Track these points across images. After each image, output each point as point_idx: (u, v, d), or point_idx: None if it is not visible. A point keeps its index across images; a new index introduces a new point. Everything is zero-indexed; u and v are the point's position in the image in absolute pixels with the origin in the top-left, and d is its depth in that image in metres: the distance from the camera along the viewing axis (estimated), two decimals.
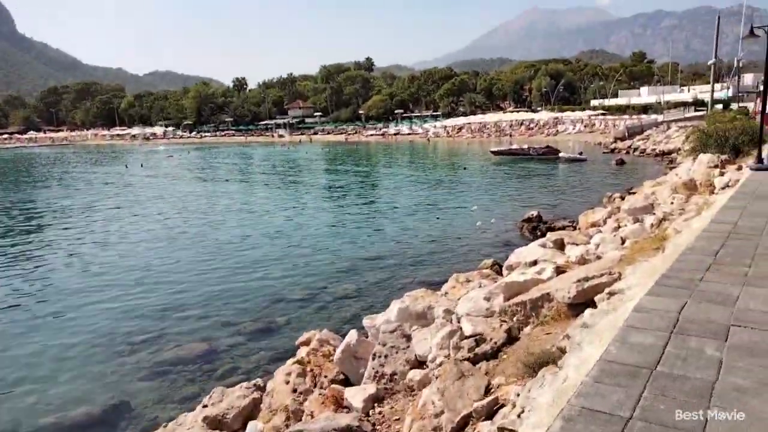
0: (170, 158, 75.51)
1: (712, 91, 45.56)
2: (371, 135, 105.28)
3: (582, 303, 5.88)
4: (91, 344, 11.38)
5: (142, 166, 61.02)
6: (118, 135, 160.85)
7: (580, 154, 44.90)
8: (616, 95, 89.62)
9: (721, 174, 14.49)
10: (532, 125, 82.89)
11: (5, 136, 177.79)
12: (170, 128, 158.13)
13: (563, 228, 18.31)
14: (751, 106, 42.70)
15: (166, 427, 6.32)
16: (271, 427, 6.02)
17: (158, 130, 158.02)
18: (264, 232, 21.58)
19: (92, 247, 20.31)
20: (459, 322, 6.00)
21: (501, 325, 5.59)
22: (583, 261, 8.46)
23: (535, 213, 19.55)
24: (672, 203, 11.37)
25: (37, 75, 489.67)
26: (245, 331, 11.51)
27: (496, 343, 5.31)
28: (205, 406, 6.46)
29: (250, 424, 6.08)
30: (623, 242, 9.71)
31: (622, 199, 20.20)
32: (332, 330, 9.92)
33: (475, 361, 5.18)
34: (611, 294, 4.89)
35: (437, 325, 5.93)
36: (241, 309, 12.89)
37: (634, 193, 22.81)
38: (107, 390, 9.32)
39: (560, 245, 11.18)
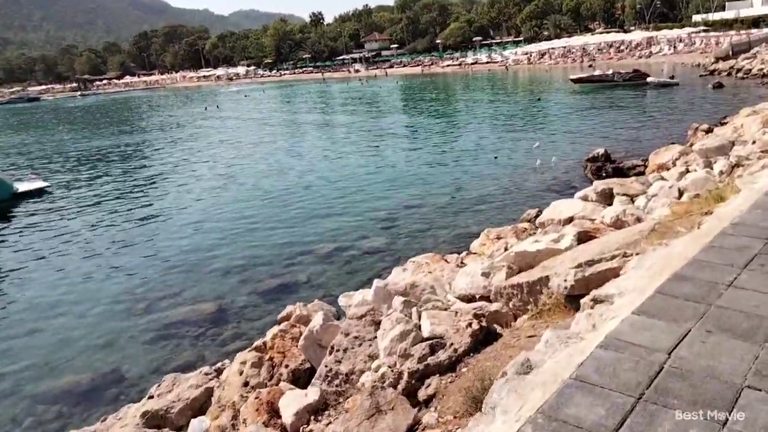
0: (246, 97, 76.58)
1: None
2: (448, 66, 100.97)
3: (583, 294, 4.49)
4: (113, 299, 11.25)
5: (218, 107, 62.00)
6: (204, 76, 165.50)
7: (672, 77, 40.13)
8: (723, 8, 79.40)
9: None
10: (622, 47, 75.67)
11: (104, 81, 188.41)
12: (252, 67, 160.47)
13: (632, 168, 16.15)
14: None
15: (104, 421, 5.72)
16: (216, 426, 5.26)
17: (241, 70, 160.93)
18: (314, 176, 20.85)
19: (149, 192, 20.53)
20: (420, 317, 4.81)
21: (469, 325, 4.34)
22: (619, 224, 6.87)
23: (601, 151, 17.31)
24: (754, 142, 9.22)
25: (131, 21, 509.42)
26: (261, 290, 10.87)
27: (456, 350, 4.10)
28: (150, 397, 5.79)
29: (194, 421, 5.34)
30: (681, 195, 7.92)
31: (709, 132, 17.47)
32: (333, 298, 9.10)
33: (425, 374, 4.03)
34: (595, 301, 3.50)
35: (392, 320, 4.79)
36: (267, 262, 12.29)
37: (725, 123, 19.78)
38: (109, 354, 9.05)
39: (608, 196, 9.46)
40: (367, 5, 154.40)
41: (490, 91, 54.48)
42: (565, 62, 78.79)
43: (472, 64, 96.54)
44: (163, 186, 21.71)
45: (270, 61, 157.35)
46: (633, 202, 9.04)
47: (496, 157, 20.54)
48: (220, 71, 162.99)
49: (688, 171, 10.08)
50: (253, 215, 16.14)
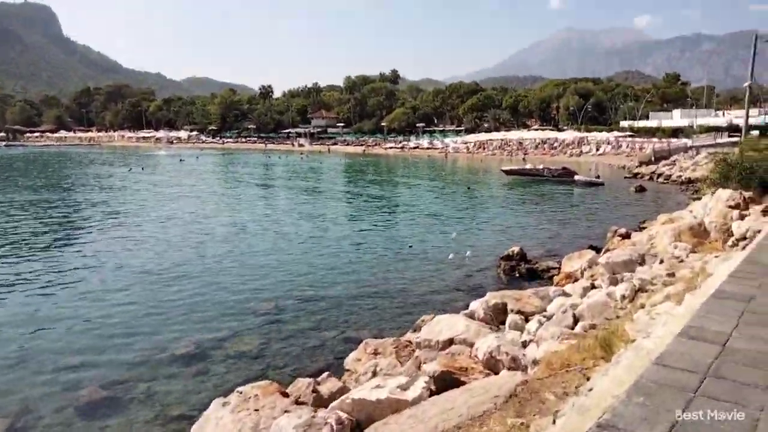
0: (181, 162, 74.33)
1: (747, 115, 41.42)
2: (390, 148, 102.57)
3: None
4: None
5: (142, 169, 59.35)
6: (143, 138, 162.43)
7: (597, 177, 41.27)
8: (647, 117, 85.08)
9: (741, 217, 11.21)
10: (555, 144, 79.03)
11: (37, 134, 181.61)
12: (194, 133, 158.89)
13: (546, 271, 15.22)
14: None
15: None
16: None
17: (183, 134, 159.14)
18: (209, 251, 18.85)
19: (40, 257, 17.81)
20: None
21: None
22: (492, 363, 5.41)
23: (516, 249, 16.33)
24: (662, 261, 8.21)
25: (78, 77, 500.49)
26: (80, 403, 8.66)
27: None
28: None
29: None
30: (575, 323, 6.63)
31: (626, 237, 16.91)
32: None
33: None
34: None
35: None
36: (104, 362, 10.10)
37: (644, 228, 19.48)
38: None
39: (501, 312, 8.10)
40: (316, 83, 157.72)
41: (425, 176, 54.64)
42: (501, 154, 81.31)
43: (413, 148, 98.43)
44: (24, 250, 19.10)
45: (214, 128, 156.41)
46: (527, 321, 7.71)
47: (410, 246, 19.30)
48: (161, 134, 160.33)
49: (593, 286, 8.94)
50: (116, 297, 13.90)
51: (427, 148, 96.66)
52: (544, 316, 7.47)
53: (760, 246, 7.22)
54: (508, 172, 45.68)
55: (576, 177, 40.85)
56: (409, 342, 8.65)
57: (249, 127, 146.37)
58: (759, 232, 8.97)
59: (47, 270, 16.64)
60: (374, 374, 7.12)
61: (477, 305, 8.38)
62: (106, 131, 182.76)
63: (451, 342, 6.93)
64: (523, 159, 64.74)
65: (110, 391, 8.98)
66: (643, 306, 6.42)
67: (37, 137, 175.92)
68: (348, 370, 8.48)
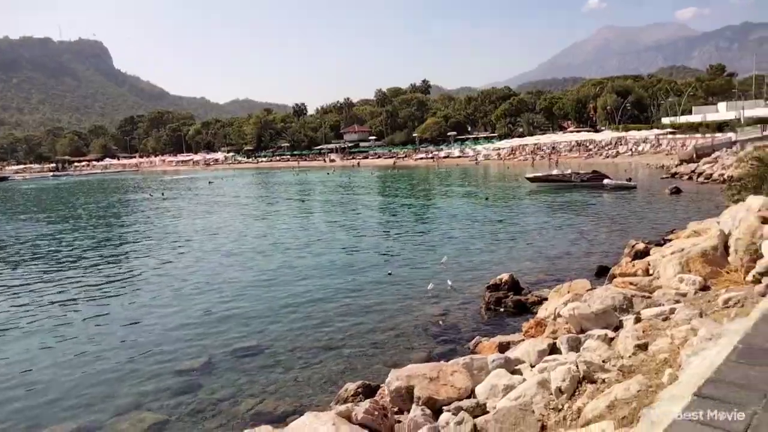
0: (210, 184, 74.20)
1: None
2: (420, 159, 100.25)
3: None
4: None
5: (162, 194, 58.84)
6: (182, 161, 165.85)
7: (629, 180, 37.75)
8: (690, 112, 79.80)
9: None
10: (590, 146, 74.96)
11: (84, 163, 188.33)
12: (231, 154, 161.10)
13: (538, 303, 12.52)
14: None
15: None
16: None
17: (220, 155, 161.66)
18: (190, 283, 16.86)
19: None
20: None
21: None
22: None
23: (505, 276, 13.70)
24: (637, 320, 5.58)
25: (127, 107, 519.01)
26: None
27: None
28: None
29: None
30: None
31: (642, 255, 14.07)
32: None
33: None
34: None
35: None
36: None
37: (668, 240, 16.47)
38: None
39: (409, 400, 5.64)
40: (348, 98, 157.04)
41: (447, 188, 51.77)
42: (534, 159, 77.80)
43: (443, 158, 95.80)
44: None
45: (250, 148, 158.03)
46: (439, 414, 5.26)
47: (389, 273, 16.75)
48: (198, 156, 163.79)
49: (553, 349, 6.38)
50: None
51: (458, 157, 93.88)
52: (459, 410, 5.01)
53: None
54: (532, 180, 42.57)
55: (605, 181, 37.47)
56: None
57: (283, 145, 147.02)
58: None
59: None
60: None
61: (343, 406, 5.80)
62: (148, 157, 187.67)
63: None
64: (556, 163, 61.18)
65: None
66: (578, 413, 3.93)
67: (84, 166, 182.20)
68: None
